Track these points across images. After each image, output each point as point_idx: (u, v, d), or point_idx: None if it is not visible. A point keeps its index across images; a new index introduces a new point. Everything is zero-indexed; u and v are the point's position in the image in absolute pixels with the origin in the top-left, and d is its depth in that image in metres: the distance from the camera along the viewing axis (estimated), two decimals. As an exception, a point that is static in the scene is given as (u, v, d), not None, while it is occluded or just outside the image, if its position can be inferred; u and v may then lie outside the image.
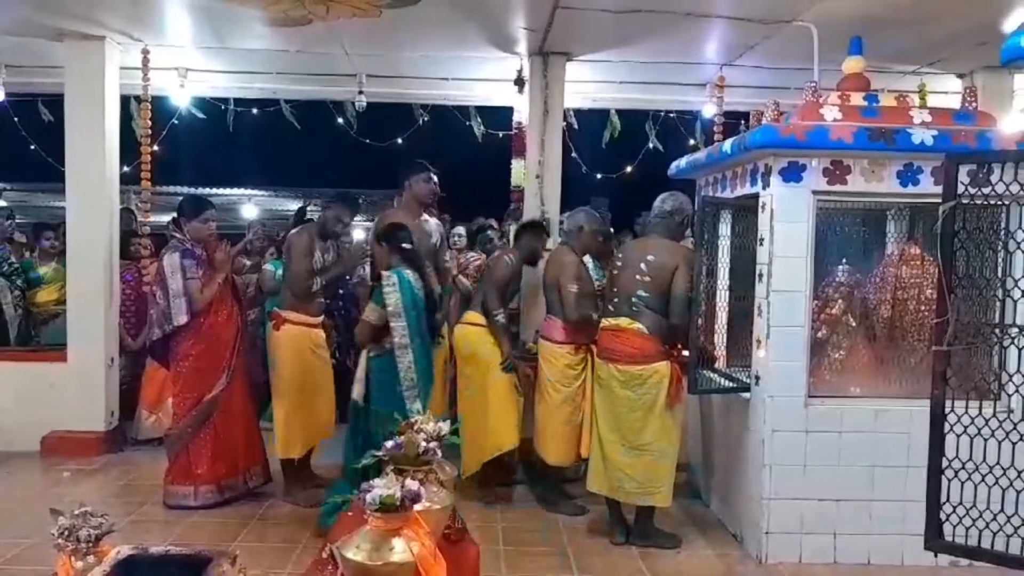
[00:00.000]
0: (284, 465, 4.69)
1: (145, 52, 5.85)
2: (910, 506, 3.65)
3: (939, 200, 2.65)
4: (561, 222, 5.55)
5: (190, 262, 4.43)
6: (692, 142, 7.51)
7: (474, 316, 4.78)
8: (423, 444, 2.68)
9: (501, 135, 7.54)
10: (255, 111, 7.64)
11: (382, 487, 2.28)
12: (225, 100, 7.42)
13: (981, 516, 2.53)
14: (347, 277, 6.05)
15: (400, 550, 2.17)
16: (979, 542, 2.52)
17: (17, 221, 7.38)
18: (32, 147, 7.49)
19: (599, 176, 8.25)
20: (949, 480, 2.56)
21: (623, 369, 4.05)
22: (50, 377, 5.58)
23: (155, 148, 6.20)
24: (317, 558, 2.58)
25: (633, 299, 4.08)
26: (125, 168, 6.10)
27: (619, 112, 7.44)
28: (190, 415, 4.48)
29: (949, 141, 3.73)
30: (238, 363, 4.61)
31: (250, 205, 13.45)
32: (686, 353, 4.14)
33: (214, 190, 11.81)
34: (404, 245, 3.98)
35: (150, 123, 6.12)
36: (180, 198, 4.84)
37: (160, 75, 6.28)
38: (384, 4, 4.80)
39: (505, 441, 4.69)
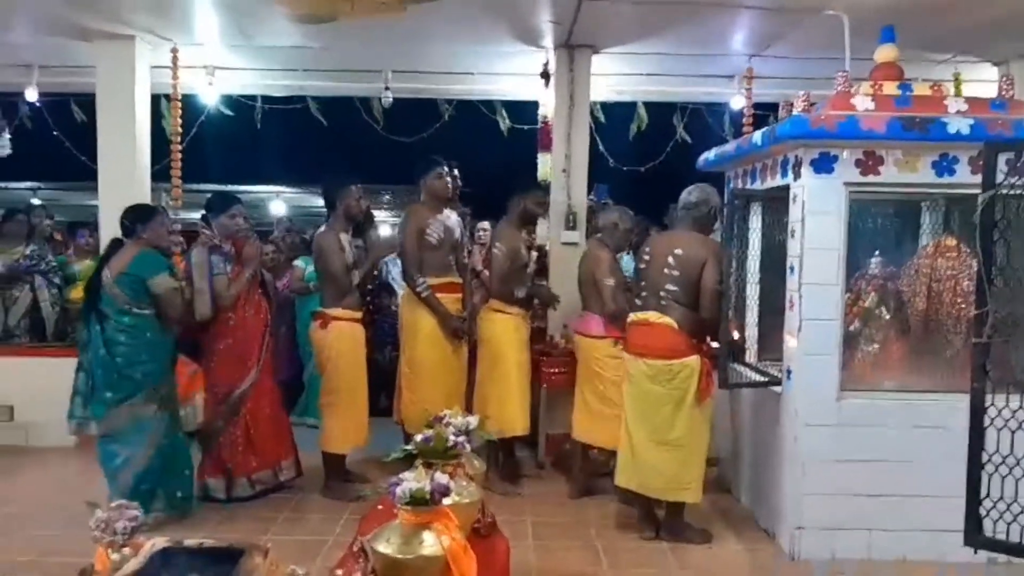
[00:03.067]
0: (329, 460, 4.70)
1: (174, 51, 5.91)
2: (947, 501, 3.56)
3: (977, 190, 2.59)
4: (595, 215, 5.54)
5: (217, 258, 4.47)
6: (721, 134, 7.43)
7: (494, 303, 4.87)
8: (452, 438, 2.68)
9: (527, 129, 7.52)
10: (282, 108, 7.69)
11: (411, 480, 2.29)
12: (253, 98, 7.49)
13: (1023, 511, 2.47)
14: (376, 271, 6.09)
15: (430, 544, 2.18)
16: (1021, 538, 2.47)
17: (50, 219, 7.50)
18: (65, 146, 7.61)
19: (626, 169, 8.20)
20: (989, 475, 2.51)
21: (652, 363, 4.01)
22: (85, 372, 5.66)
23: (184, 145, 6.27)
24: (348, 551, 2.60)
25: (662, 293, 4.05)
26: (156, 166, 6.17)
27: (646, 105, 7.39)
28: (220, 409, 4.52)
29: (986, 130, 3.65)
30: (267, 358, 4.65)
31: (278, 202, 13.59)
32: (716, 346, 4.10)
33: (243, 187, 11.93)
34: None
35: (180, 121, 6.19)
36: (209, 195, 4.89)
37: (189, 73, 6.36)
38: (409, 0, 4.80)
39: (511, 426, 4.71)
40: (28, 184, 12.59)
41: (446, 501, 2.31)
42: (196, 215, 4.86)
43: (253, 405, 4.55)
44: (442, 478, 2.32)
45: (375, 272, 6.13)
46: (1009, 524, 2.47)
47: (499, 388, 4.79)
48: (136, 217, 4.27)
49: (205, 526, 4.24)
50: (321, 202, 5.02)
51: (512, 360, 4.79)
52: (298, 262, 6.32)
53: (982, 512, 2.51)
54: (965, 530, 2.55)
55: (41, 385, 5.68)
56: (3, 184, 12.45)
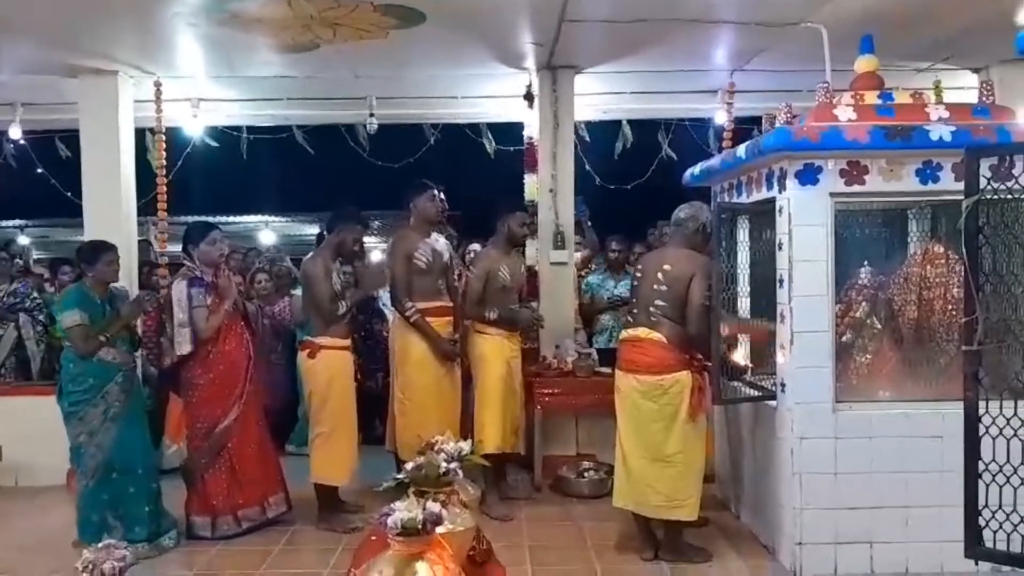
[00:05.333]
0: (322, 491, 4.63)
1: (158, 84, 5.91)
2: (948, 511, 3.52)
3: (961, 196, 2.60)
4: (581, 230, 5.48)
5: (197, 290, 4.37)
6: (706, 149, 7.45)
7: (476, 324, 4.94)
8: (444, 465, 2.64)
9: (513, 150, 7.52)
10: (268, 138, 7.67)
11: (403, 510, 2.25)
12: (238, 128, 7.46)
13: (1023, 521, 2.44)
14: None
15: (424, 574, 2.13)
16: (1022, 548, 2.44)
17: (36, 256, 7.47)
18: (51, 182, 7.57)
19: (612, 187, 8.21)
20: (987, 484, 2.48)
21: (643, 379, 3.99)
22: (73, 410, 5.60)
23: (170, 178, 6.25)
24: (340, 585, 2.55)
25: (651, 309, 4.03)
26: (142, 200, 6.14)
27: (630, 122, 7.39)
28: (203, 445, 4.44)
29: (968, 136, 3.66)
30: (251, 390, 4.54)
31: (267, 231, 13.56)
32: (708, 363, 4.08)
33: (231, 217, 11.91)
34: None
35: (165, 154, 6.17)
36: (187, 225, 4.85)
37: (173, 107, 6.33)
38: (390, 25, 4.82)
39: (488, 442, 4.63)
40: (15, 222, 12.54)
41: (439, 530, 2.28)
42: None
43: (238, 440, 4.46)
44: (434, 506, 2.28)
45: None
46: (1009, 534, 2.45)
47: (480, 405, 4.83)
48: (80, 258, 4.38)
49: (200, 559, 4.19)
50: (309, 229, 5.02)
51: (492, 377, 4.82)
52: (297, 290, 6.27)
53: (981, 523, 2.48)
54: (965, 542, 2.52)
55: (29, 424, 5.59)
56: (-10, 222, 12.41)
